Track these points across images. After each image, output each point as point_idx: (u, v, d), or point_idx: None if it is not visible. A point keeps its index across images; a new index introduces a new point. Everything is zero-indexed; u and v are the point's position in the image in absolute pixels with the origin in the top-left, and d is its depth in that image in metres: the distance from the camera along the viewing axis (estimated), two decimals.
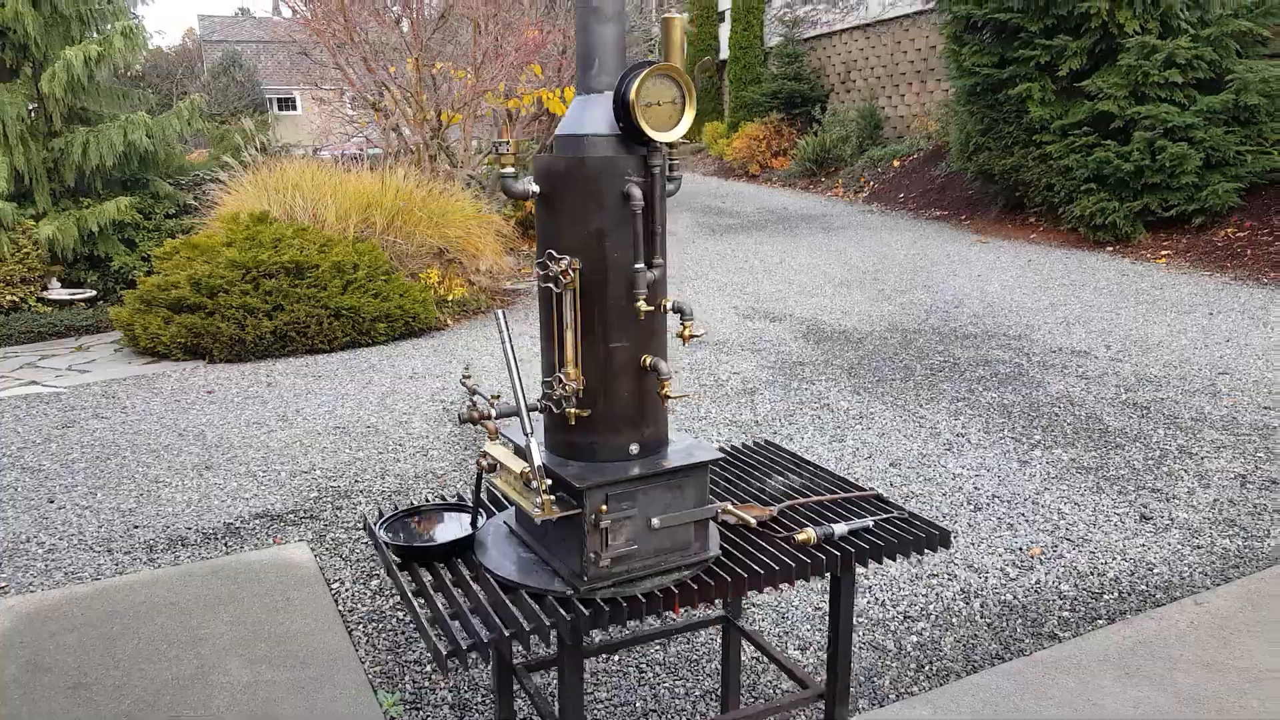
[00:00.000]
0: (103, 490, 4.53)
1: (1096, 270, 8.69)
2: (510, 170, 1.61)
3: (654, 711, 2.79)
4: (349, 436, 5.15)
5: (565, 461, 1.63)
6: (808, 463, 2.17)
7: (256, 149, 9.22)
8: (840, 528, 1.76)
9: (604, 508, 1.53)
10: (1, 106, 8.40)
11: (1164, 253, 8.93)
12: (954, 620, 3.24)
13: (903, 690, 2.89)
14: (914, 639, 3.14)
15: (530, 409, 1.58)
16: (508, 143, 1.58)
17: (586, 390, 1.60)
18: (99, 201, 8.96)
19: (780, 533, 1.77)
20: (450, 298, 8.00)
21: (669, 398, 1.65)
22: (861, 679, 2.93)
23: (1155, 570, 3.51)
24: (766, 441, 2.31)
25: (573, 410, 1.57)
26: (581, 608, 1.52)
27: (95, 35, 9.21)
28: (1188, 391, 5.42)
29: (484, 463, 1.65)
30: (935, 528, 1.82)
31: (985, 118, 10.49)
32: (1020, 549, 3.70)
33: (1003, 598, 3.37)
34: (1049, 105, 9.66)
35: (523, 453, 1.65)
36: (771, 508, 1.86)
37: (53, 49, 8.83)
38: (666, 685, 2.93)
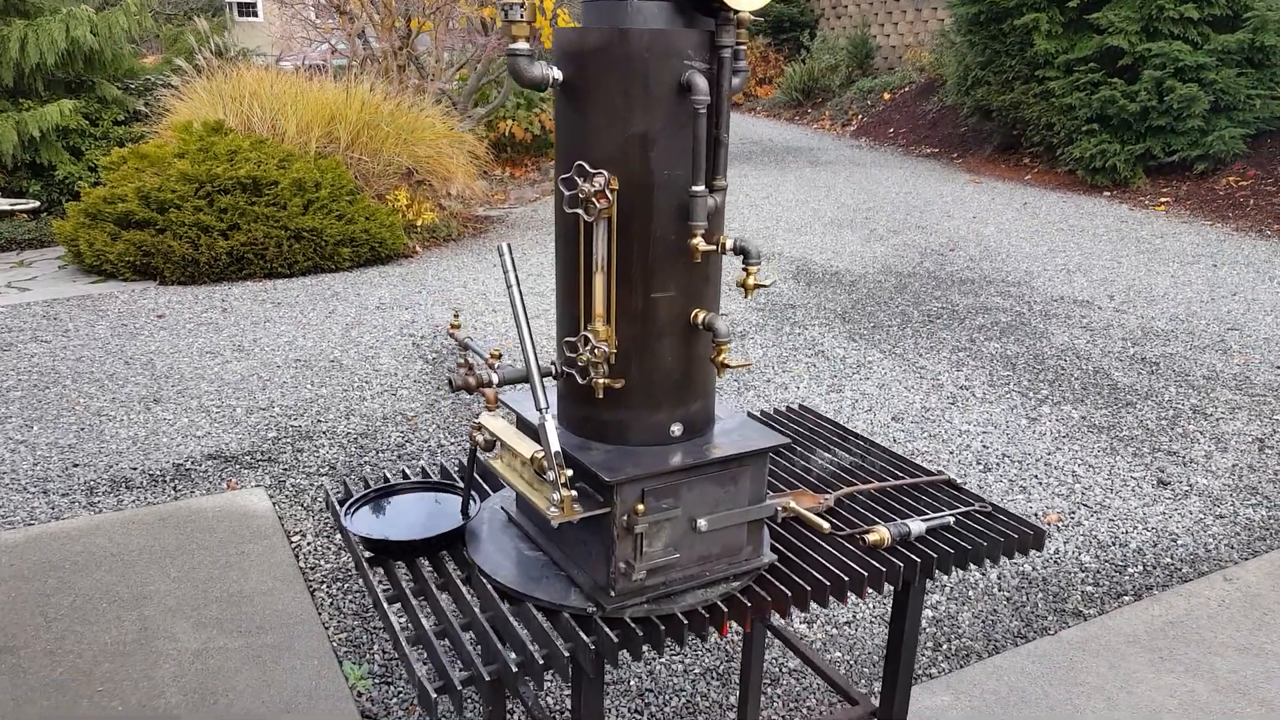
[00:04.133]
0: (40, 423, 4.13)
1: (1095, 215, 8.42)
2: (524, 47, 1.22)
3: None
4: (311, 371, 4.78)
5: (587, 443, 1.30)
6: (854, 434, 1.86)
7: (211, 52, 8.55)
8: (917, 525, 1.46)
9: (640, 507, 1.21)
10: None
11: (1163, 199, 8.67)
12: (970, 593, 3.00)
13: (919, 672, 2.66)
14: (928, 613, 2.90)
15: (543, 374, 1.24)
16: (521, 4, 1.19)
17: (620, 353, 1.26)
18: (40, 104, 8.28)
19: (843, 529, 1.47)
20: (420, 223, 7.53)
21: (727, 366, 1.31)
22: (876, 658, 2.69)
23: (1179, 542, 3.30)
24: (801, 406, 2.00)
25: (603, 381, 1.23)
26: (608, 630, 1.21)
27: None
28: (1197, 347, 5.20)
29: (479, 438, 1.32)
30: (1027, 525, 1.53)
31: (986, 49, 10.05)
32: (1036, 515, 3.47)
33: (1021, 568, 3.14)
34: (1055, 38, 9.25)
35: (530, 428, 1.32)
36: (826, 496, 1.56)
37: None
38: (671, 690, 2.66)
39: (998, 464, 3.87)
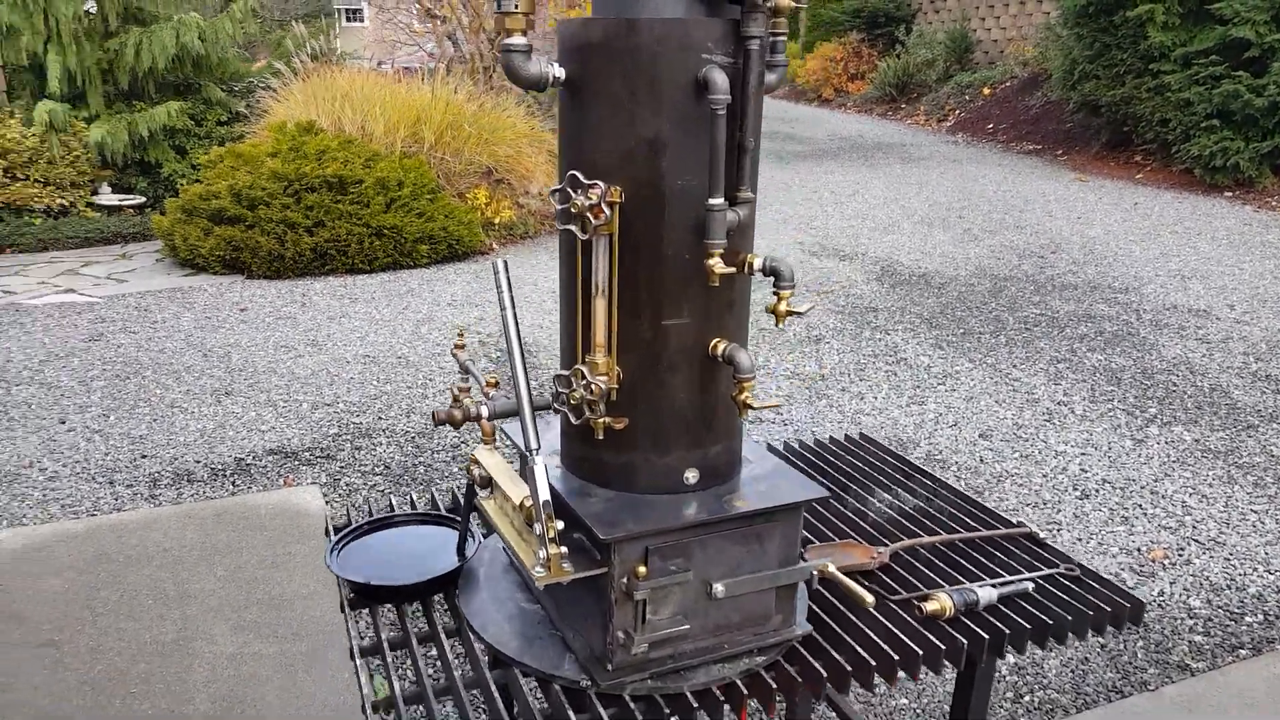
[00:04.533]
0: (116, 413, 4.20)
1: (1214, 217, 7.81)
2: (520, 42, 1.07)
3: None
4: (378, 367, 4.75)
5: (587, 488, 1.14)
6: (920, 471, 1.64)
7: (308, 55, 8.71)
8: (986, 592, 1.25)
9: (642, 569, 1.04)
10: (55, 5, 8.01)
11: None
12: (1054, 595, 2.72)
13: None
14: (1009, 659, 2.64)
15: (539, 408, 1.08)
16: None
17: (624, 388, 1.10)
18: (150, 106, 8.59)
19: (897, 593, 1.27)
20: (497, 220, 7.50)
21: (749, 407, 1.13)
22: (948, 706, 2.45)
23: None
24: (862, 436, 1.79)
25: (602, 420, 1.07)
26: (601, 710, 1.04)
27: None
28: None
29: (475, 473, 1.17)
30: (1122, 595, 1.30)
31: (1095, 42, 9.46)
32: (1139, 550, 3.14)
33: None
34: (1172, 30, 8.63)
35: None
36: (880, 549, 1.36)
37: None
38: None
39: (1096, 490, 3.54)
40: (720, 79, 1.03)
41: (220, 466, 3.73)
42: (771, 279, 1.13)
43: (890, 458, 1.69)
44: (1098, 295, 5.90)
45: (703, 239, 1.08)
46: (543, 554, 1.01)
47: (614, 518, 1.06)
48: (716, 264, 1.05)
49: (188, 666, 2.56)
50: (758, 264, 1.11)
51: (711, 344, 1.12)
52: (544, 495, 1.01)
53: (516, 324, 1.07)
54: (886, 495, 1.56)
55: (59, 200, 7.82)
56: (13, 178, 7.47)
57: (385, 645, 1.16)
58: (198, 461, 3.77)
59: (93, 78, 8.42)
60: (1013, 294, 5.96)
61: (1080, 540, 3.20)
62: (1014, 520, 1.48)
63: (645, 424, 1.11)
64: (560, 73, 1.09)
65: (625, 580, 1.04)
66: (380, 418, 4.16)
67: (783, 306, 1.12)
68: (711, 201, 1.05)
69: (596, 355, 1.07)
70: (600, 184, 1.03)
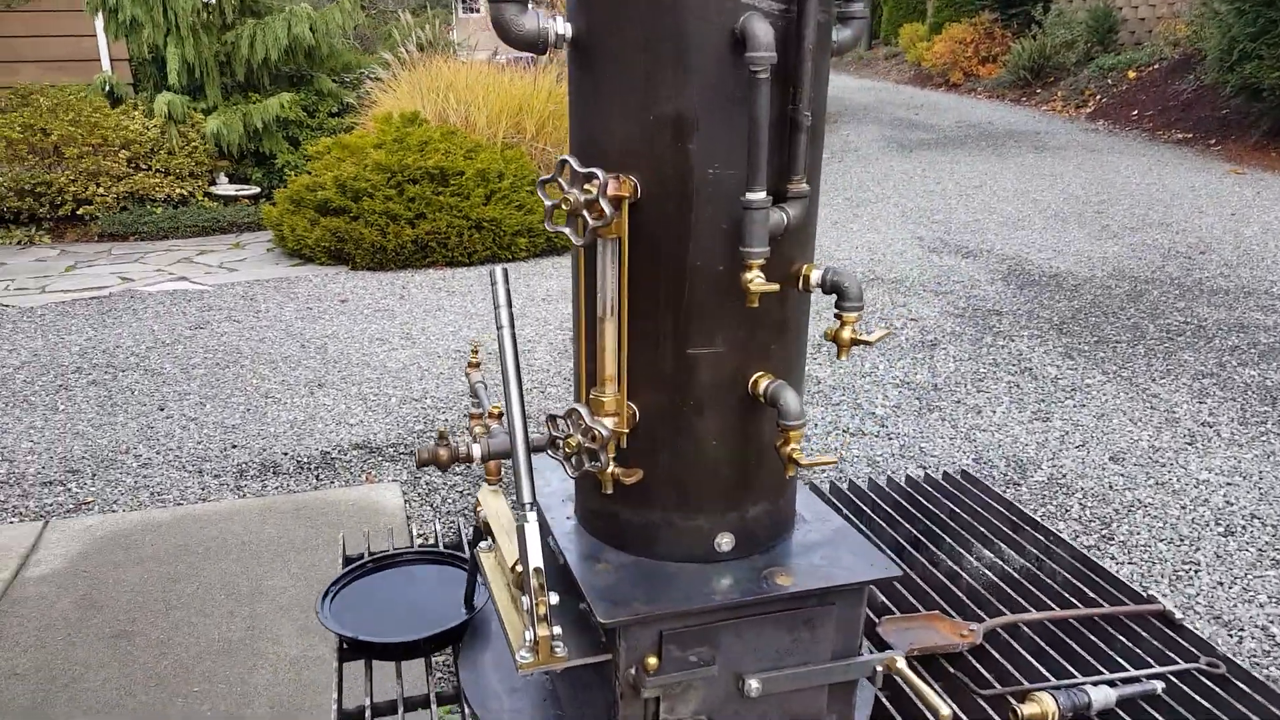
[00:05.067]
0: (213, 401, 4.27)
1: None
2: None
3: None
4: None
5: (600, 550, 0.94)
6: (1030, 521, 1.37)
7: (415, 46, 8.80)
8: (1102, 693, 0.99)
9: (653, 660, 0.84)
10: None
11: None
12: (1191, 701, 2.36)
13: None
14: None
15: (538, 448, 0.89)
16: None
17: (640, 431, 0.89)
18: (265, 97, 8.86)
19: (989, 686, 1.03)
20: None
21: (796, 464, 0.90)
22: None
23: None
24: (964, 473, 1.52)
25: (611, 471, 0.87)
26: None
27: None
28: None
29: (482, 516, 0.99)
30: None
31: (1259, 18, 8.59)
32: None
33: (1268, 673, 2.44)
34: None
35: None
36: (973, 626, 1.11)
37: None
38: None
39: (1244, 527, 3.12)
40: (763, 31, 0.80)
41: (306, 459, 3.71)
42: (834, 297, 0.90)
43: (994, 503, 1.42)
44: (1252, 301, 5.30)
45: (740, 244, 0.86)
46: (529, 635, 0.82)
47: (622, 593, 0.86)
48: (755, 279, 0.83)
49: (251, 668, 2.51)
50: (816, 277, 0.88)
51: (752, 379, 0.90)
52: (534, 562, 0.82)
53: (515, 346, 0.88)
54: (987, 553, 1.30)
55: (178, 190, 8.14)
56: (136, 168, 7.81)
57: (369, 710, 0.99)
58: (284, 453, 3.76)
59: (210, 70, 8.71)
60: (1154, 299, 5.42)
61: (1221, 585, 2.80)
62: (1144, 593, 1.20)
63: (666, 477, 0.90)
64: (565, 29, 0.88)
65: (633, 672, 0.84)
66: (466, 415, 4.08)
67: (847, 333, 0.89)
68: (749, 196, 0.82)
69: (604, 391, 0.87)
70: (599, 173, 0.82)
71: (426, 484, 3.51)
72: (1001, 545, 1.32)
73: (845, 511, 1.43)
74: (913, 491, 1.48)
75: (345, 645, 1.13)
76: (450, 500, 3.38)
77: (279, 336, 5.14)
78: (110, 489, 3.45)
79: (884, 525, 1.37)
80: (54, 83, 7.69)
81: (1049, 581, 1.24)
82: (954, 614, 1.15)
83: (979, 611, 1.17)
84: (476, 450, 0.89)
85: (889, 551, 1.30)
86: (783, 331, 0.93)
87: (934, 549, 1.32)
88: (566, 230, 0.86)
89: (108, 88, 8.25)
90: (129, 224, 7.52)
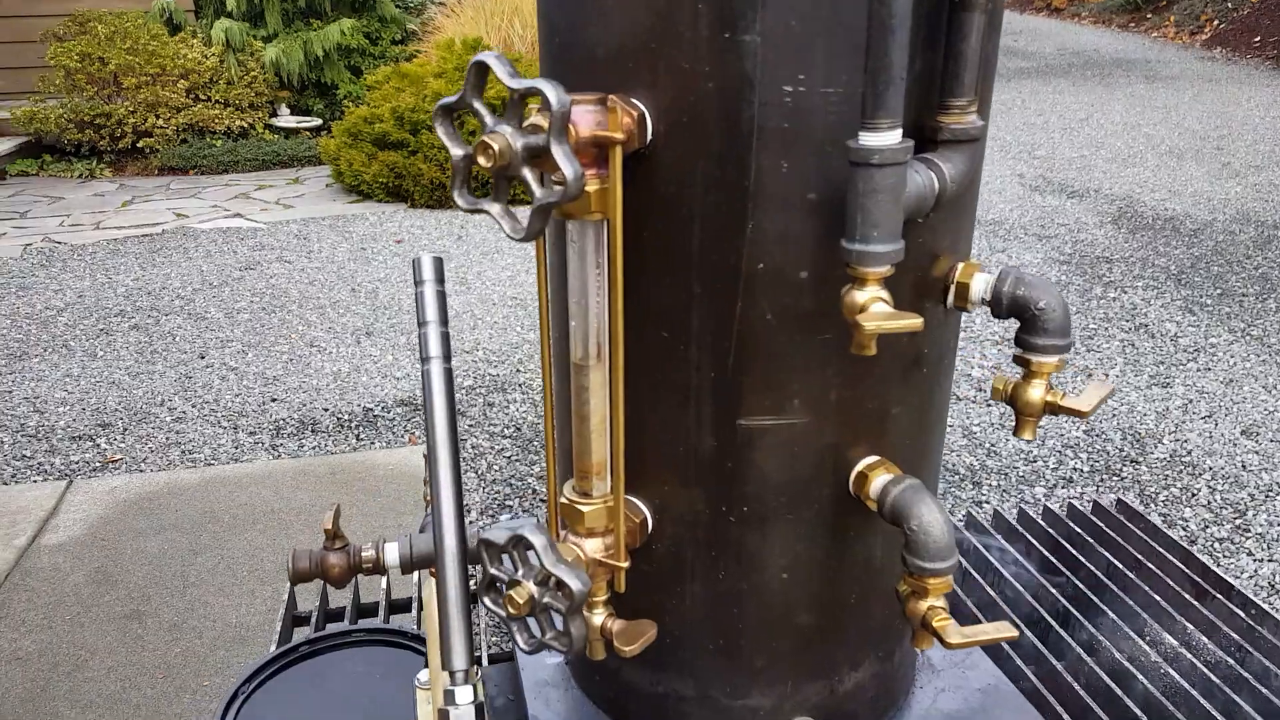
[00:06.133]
0: (255, 349, 4.06)
1: None
2: None
3: None
4: (525, 311, 4.39)
5: None
6: (1215, 578, 0.99)
7: None
8: None
9: None
10: None
11: None
12: None
13: None
14: None
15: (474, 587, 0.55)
16: None
17: (655, 551, 0.54)
18: (326, 24, 8.55)
19: None
20: None
21: (941, 638, 0.53)
22: None
23: None
24: (1121, 504, 1.14)
25: (602, 623, 0.52)
26: None
27: None
28: None
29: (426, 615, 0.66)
30: None
31: None
32: None
33: None
34: None
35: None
36: None
37: None
38: None
39: None
40: None
41: (347, 416, 3.48)
42: (1021, 324, 0.52)
43: (1166, 552, 1.04)
44: None
45: (841, 241, 0.47)
46: None
47: None
48: (876, 306, 0.44)
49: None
50: (981, 288, 0.50)
51: (857, 470, 0.53)
52: None
53: (449, 388, 0.55)
54: (1166, 636, 0.93)
55: (238, 122, 7.93)
56: (195, 98, 7.61)
57: None
58: (325, 409, 3.54)
59: None
60: None
61: None
62: None
63: (700, 627, 0.53)
64: None
65: None
66: (518, 370, 3.79)
67: (1039, 391, 0.52)
68: (867, 140, 0.44)
69: (591, 480, 0.51)
70: (550, 91, 0.48)
71: (473, 446, 3.24)
72: (1183, 622, 0.95)
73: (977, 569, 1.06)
74: (1053, 532, 1.10)
75: None
76: (497, 467, 3.12)
77: (329, 279, 4.91)
78: (140, 445, 3.27)
79: (1020, 588, 1.01)
80: (112, 9, 7.49)
81: (1261, 689, 0.87)
82: None
83: None
84: (391, 554, 0.57)
85: (1032, 635, 0.94)
86: (913, 384, 0.54)
87: (1090, 627, 0.95)
88: (492, 209, 0.51)
89: (167, 14, 8.04)
90: (188, 157, 7.36)
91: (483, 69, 0.53)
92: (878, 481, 0.54)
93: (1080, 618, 0.97)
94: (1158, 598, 0.97)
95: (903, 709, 0.64)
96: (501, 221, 0.54)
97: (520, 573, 0.54)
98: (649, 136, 0.52)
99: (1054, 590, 1.01)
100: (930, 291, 0.52)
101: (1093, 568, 1.04)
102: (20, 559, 2.56)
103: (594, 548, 0.52)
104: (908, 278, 0.51)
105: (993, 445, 3.10)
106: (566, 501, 0.53)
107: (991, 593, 1.01)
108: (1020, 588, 1.02)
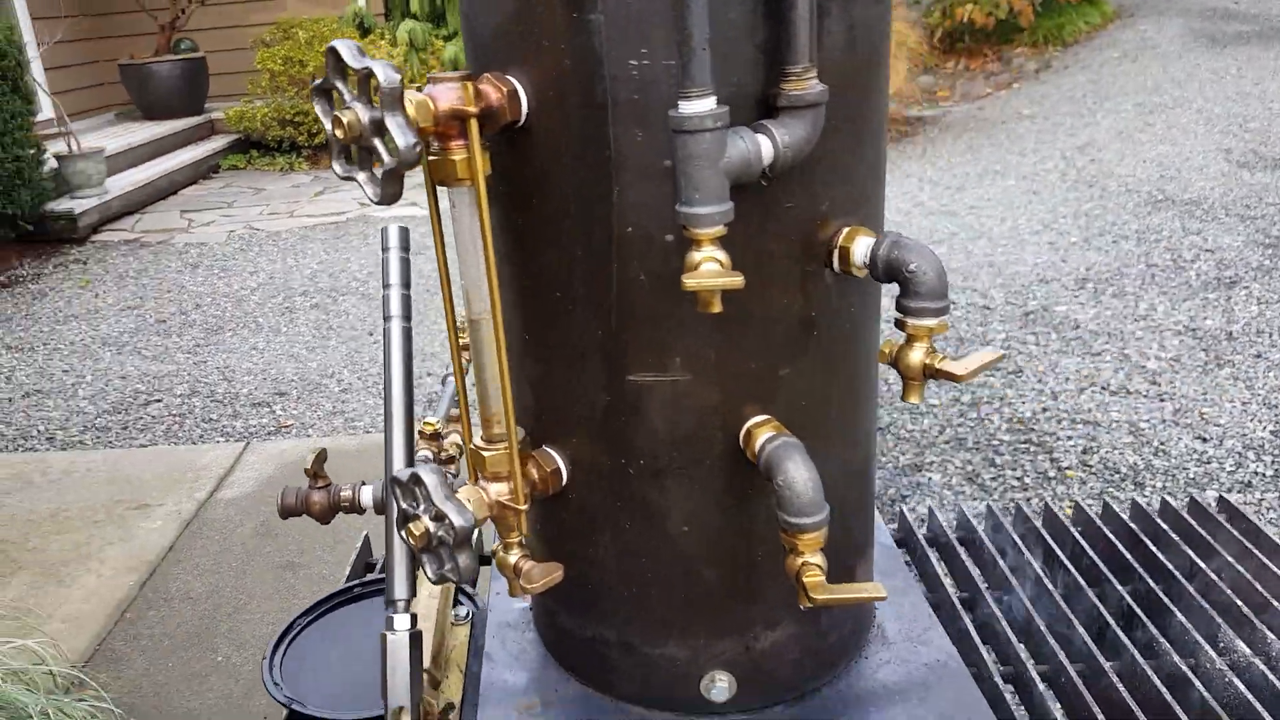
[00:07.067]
0: (418, 329, 4.31)
1: None
2: None
3: None
4: None
5: (548, 679, 0.61)
6: None
7: None
8: None
9: None
10: None
11: None
12: None
13: None
14: None
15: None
16: None
17: (572, 500, 0.55)
18: None
19: None
20: None
21: (810, 597, 0.51)
22: None
23: None
24: (1220, 500, 1.01)
25: (515, 563, 0.53)
26: None
27: None
28: None
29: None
30: None
31: None
32: None
33: None
34: None
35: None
36: None
37: None
38: None
39: None
40: None
41: None
42: (900, 287, 0.50)
43: (1265, 557, 0.92)
44: None
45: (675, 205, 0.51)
46: None
47: None
48: (706, 265, 0.45)
49: None
50: (862, 252, 0.48)
51: (746, 429, 0.52)
52: (397, 698, 0.51)
53: (408, 347, 0.58)
54: (1240, 644, 0.82)
55: None
56: None
57: None
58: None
59: None
60: None
61: None
62: None
63: (615, 575, 0.55)
64: None
65: None
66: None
67: (918, 355, 0.49)
68: (682, 109, 0.48)
69: (492, 433, 0.53)
70: (378, 69, 0.50)
71: None
72: (1265, 631, 0.83)
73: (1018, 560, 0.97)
74: (1139, 530, 1.00)
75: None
76: None
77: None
78: (310, 412, 3.55)
79: (1083, 584, 0.92)
80: (311, 15, 8.14)
81: None
82: None
83: None
84: (366, 496, 0.61)
85: (1085, 633, 0.85)
86: (804, 348, 0.54)
87: (1155, 631, 0.85)
88: (359, 176, 0.54)
89: (359, 19, 8.63)
90: None
91: (336, 52, 0.56)
92: (760, 438, 0.53)
93: (1144, 619, 0.87)
94: (1240, 602, 0.85)
95: (841, 676, 0.62)
96: (365, 187, 0.57)
97: (421, 508, 0.58)
98: (524, 110, 0.56)
99: (1123, 588, 0.91)
100: (814, 256, 0.53)
101: (1172, 567, 0.93)
102: (199, 510, 2.86)
103: (498, 491, 0.56)
104: (785, 242, 0.52)
105: (1162, 444, 2.83)
106: (473, 448, 0.57)
107: (1048, 583, 0.93)
108: (1081, 580, 0.93)
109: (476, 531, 0.56)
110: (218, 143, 7.90)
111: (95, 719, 1.79)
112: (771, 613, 0.63)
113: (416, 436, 0.83)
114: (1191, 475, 2.65)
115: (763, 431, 0.58)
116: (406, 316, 0.67)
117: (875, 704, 0.61)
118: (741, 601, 0.62)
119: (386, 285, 0.67)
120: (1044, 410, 3.10)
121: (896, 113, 7.57)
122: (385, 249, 0.66)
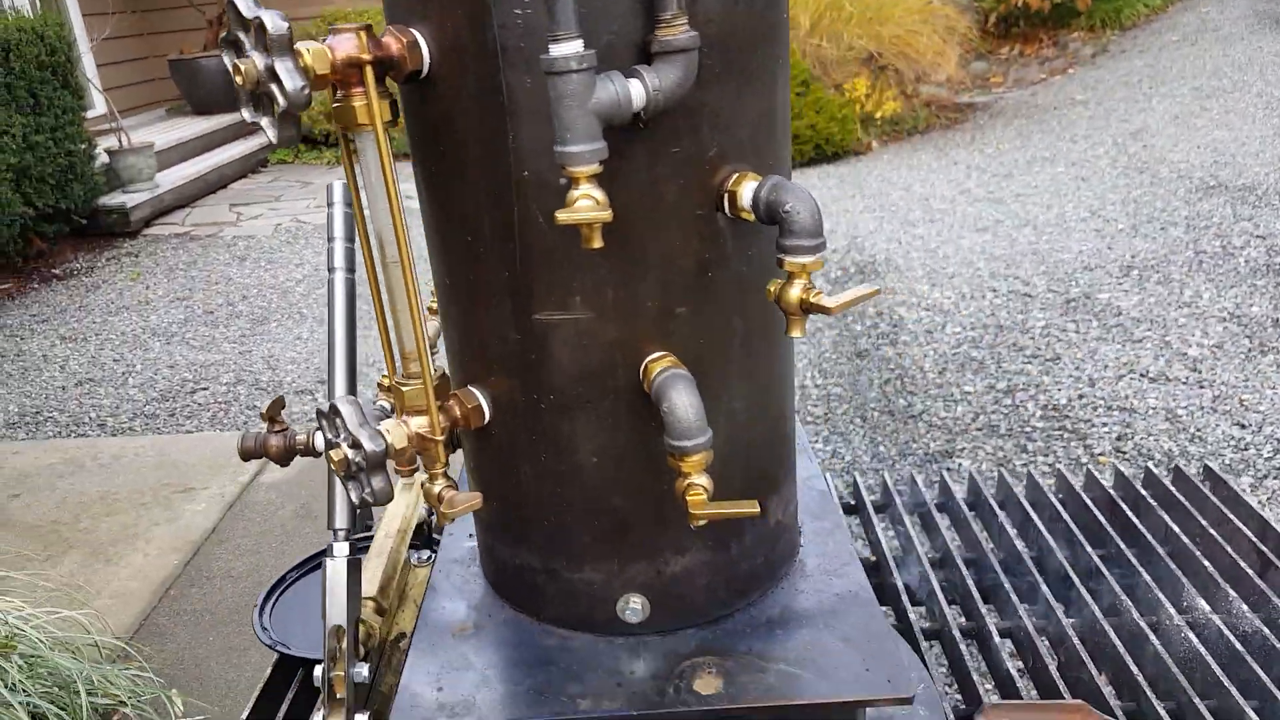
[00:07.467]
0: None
1: None
2: None
3: None
4: None
5: (485, 606, 0.65)
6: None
7: None
8: None
9: None
10: None
11: None
12: None
13: None
14: None
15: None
16: None
17: (494, 435, 0.59)
18: None
19: None
20: (879, 115, 6.68)
21: (693, 516, 0.54)
22: None
23: None
24: (1208, 471, 1.00)
25: (440, 487, 0.57)
26: None
27: None
28: None
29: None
30: None
31: None
32: None
33: None
34: None
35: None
36: None
37: None
38: None
39: None
40: None
41: None
42: (780, 228, 0.52)
43: (1241, 524, 0.91)
44: None
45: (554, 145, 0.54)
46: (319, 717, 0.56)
47: (470, 692, 0.56)
48: (581, 202, 0.48)
49: None
50: (747, 195, 0.51)
51: (645, 364, 0.55)
52: (334, 617, 0.55)
53: (351, 296, 0.62)
54: (1202, 602, 0.82)
55: None
56: None
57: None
58: None
59: None
60: None
61: None
62: None
63: (534, 504, 0.58)
64: None
65: None
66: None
67: (795, 291, 0.51)
68: (552, 52, 0.51)
69: (410, 370, 0.57)
70: (266, 15, 0.53)
71: None
72: (1230, 591, 0.83)
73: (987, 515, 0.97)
74: (1119, 499, 1.00)
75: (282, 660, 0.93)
76: None
77: None
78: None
79: (1055, 544, 0.92)
80: (356, 8, 8.28)
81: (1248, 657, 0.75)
82: (1116, 703, 0.71)
83: (1156, 703, 0.72)
84: (319, 440, 0.66)
85: (1047, 590, 0.85)
86: (699, 288, 0.57)
87: (1120, 591, 0.86)
88: (262, 121, 0.58)
89: None
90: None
91: (234, 5, 0.60)
92: (657, 369, 0.56)
93: (1110, 578, 0.87)
94: (1210, 566, 0.85)
95: (755, 604, 0.65)
96: (267, 130, 0.61)
97: (341, 437, 0.62)
98: (425, 60, 0.59)
99: (1095, 548, 0.91)
100: (705, 200, 0.55)
101: (1145, 530, 0.93)
102: (242, 493, 2.96)
103: (419, 424, 0.60)
104: (675, 185, 0.54)
105: (1198, 430, 2.77)
106: (394, 384, 0.61)
107: (1020, 546, 0.93)
108: (1054, 540, 0.93)
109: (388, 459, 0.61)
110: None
111: (138, 688, 1.88)
112: (679, 540, 0.67)
113: (376, 389, 0.87)
114: (1227, 461, 2.59)
115: (657, 366, 0.62)
116: (350, 268, 0.72)
117: (784, 627, 0.64)
118: (650, 528, 0.67)
119: (330, 239, 0.71)
120: (1080, 397, 3.05)
121: (946, 99, 7.46)
122: (330, 204, 0.70)
